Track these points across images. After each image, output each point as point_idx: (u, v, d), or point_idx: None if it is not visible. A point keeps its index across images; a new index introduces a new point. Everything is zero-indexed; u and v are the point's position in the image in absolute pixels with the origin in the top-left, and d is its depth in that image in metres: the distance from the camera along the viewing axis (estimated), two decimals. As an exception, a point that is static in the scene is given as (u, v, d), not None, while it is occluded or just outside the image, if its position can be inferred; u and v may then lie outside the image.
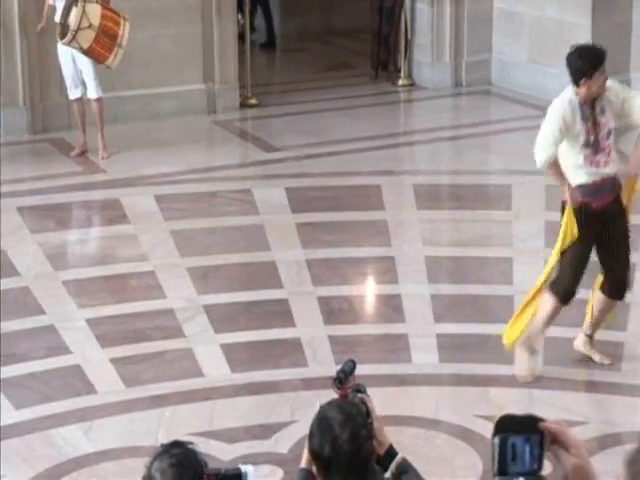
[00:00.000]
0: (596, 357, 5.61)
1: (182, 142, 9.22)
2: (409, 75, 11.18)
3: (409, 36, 11.11)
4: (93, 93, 8.77)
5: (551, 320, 5.50)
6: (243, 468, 2.95)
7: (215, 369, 5.70)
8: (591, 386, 5.48)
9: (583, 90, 5.31)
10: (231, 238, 7.36)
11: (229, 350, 5.84)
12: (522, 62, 10.38)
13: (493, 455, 1.97)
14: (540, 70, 10.06)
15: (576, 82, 5.32)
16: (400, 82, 11.16)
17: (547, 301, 5.44)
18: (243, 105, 10.32)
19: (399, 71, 11.20)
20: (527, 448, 1.97)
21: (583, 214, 5.35)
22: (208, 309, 6.28)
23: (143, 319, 6.18)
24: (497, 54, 10.95)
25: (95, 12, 8.35)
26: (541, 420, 2.00)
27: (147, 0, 9.55)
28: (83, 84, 8.80)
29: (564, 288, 5.41)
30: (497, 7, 10.86)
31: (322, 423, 3.12)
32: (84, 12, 8.28)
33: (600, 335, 5.73)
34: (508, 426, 1.98)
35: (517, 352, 5.50)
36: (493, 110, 10.32)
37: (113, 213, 7.76)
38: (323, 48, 12.35)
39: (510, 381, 5.52)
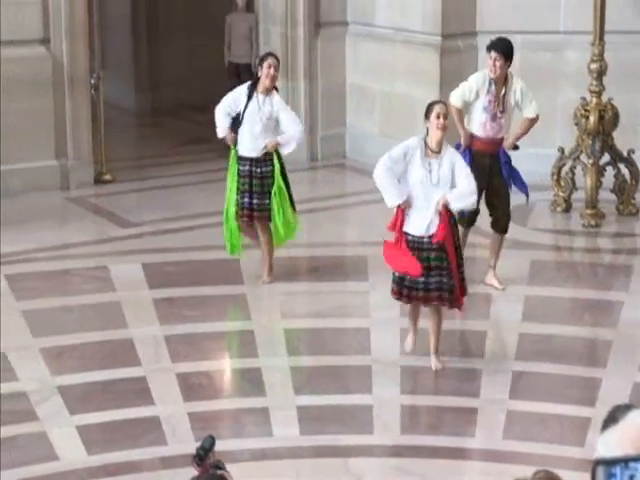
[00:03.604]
0: None
1: (34, 220, 9.05)
2: (265, 149, 11.30)
3: (264, 111, 11.26)
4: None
5: None
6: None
7: (70, 452, 5.54)
8: (444, 452, 5.55)
9: None
10: (86, 316, 7.23)
11: (85, 431, 5.70)
12: (374, 136, 10.64)
13: None
14: (391, 143, 10.23)
15: None
16: (256, 156, 11.25)
17: None
18: (97, 181, 10.23)
19: (255, 145, 11.31)
20: None
21: None
22: (62, 390, 6.12)
23: (-6, 403, 5.97)
24: (350, 128, 11.20)
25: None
26: None
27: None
28: None
29: None
30: (349, 83, 11.14)
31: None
32: None
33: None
34: None
35: None
36: (348, 183, 10.53)
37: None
38: (177, 123, 12.39)
39: (368, 450, 5.56)
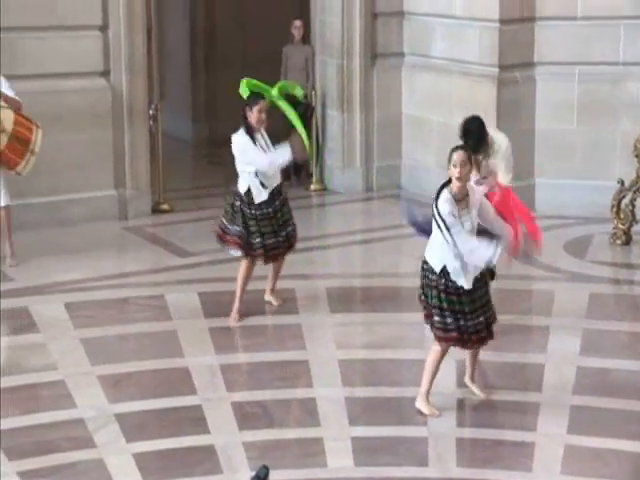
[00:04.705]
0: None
1: (93, 248, 9.18)
2: (321, 180, 11.37)
3: (320, 142, 11.33)
4: (1, 201, 8.71)
5: None
6: None
7: (127, 479, 5.56)
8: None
9: None
10: (143, 344, 7.29)
11: (141, 459, 5.72)
12: (431, 167, 10.62)
13: None
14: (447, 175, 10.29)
15: None
16: (312, 187, 11.33)
17: None
18: (155, 211, 10.35)
19: (311, 176, 11.39)
20: None
21: None
22: (119, 418, 6.16)
23: (52, 430, 6.03)
24: (406, 159, 11.21)
25: (8, 118, 8.35)
26: None
27: (57, 106, 9.58)
28: (-10, 192, 8.74)
29: None
30: (405, 113, 11.16)
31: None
32: (-4, 117, 8.27)
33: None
34: None
35: None
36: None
37: (21, 322, 7.64)
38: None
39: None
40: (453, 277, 6.04)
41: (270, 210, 7.58)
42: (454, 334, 6.08)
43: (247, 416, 6.23)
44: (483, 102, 10.07)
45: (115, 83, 10.02)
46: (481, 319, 6.11)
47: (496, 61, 10.05)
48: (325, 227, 10.46)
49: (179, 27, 13.56)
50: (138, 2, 10.07)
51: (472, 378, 6.44)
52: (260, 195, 7.56)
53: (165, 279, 8.56)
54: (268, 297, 7.98)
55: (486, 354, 6.88)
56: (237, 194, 7.66)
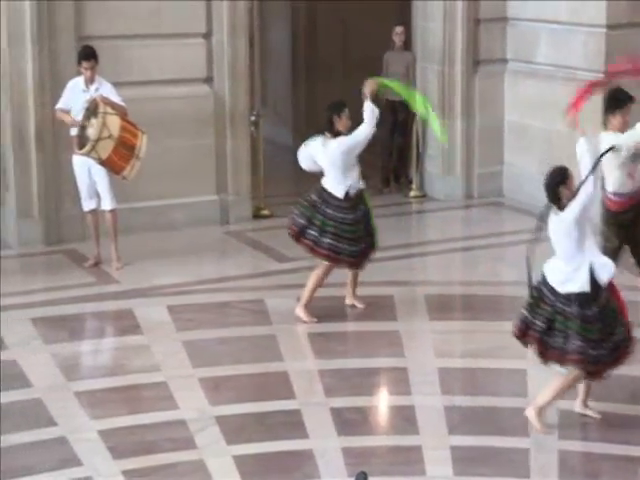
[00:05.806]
0: None
1: (195, 253, 9.31)
2: (421, 187, 11.32)
3: (421, 148, 11.28)
4: (107, 205, 8.90)
5: None
6: None
7: (227, 482, 5.63)
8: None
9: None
10: (243, 348, 7.35)
11: (241, 462, 5.77)
12: (533, 174, 10.47)
13: None
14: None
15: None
16: (412, 193, 11.29)
17: None
18: (256, 216, 10.44)
19: (411, 182, 11.36)
20: None
21: None
22: (220, 420, 6.23)
23: (155, 430, 6.13)
24: (508, 166, 11.08)
25: (114, 124, 8.52)
26: None
27: (161, 112, 9.74)
28: (97, 196, 8.93)
29: None
30: (508, 120, 11.04)
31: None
32: (104, 123, 8.44)
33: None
34: None
35: None
36: (505, 222, 10.39)
37: (126, 323, 7.79)
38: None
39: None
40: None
41: (342, 215, 7.64)
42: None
43: (346, 422, 6.23)
44: (588, 108, 9.87)
45: (218, 90, 10.15)
46: (548, 339, 5.96)
47: (602, 67, 9.86)
48: (425, 234, 10.41)
49: (281, 32, 13.67)
50: (241, 9, 10.19)
51: (584, 403, 6.22)
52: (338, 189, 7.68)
53: (265, 284, 8.62)
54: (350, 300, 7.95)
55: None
56: (318, 190, 7.84)
